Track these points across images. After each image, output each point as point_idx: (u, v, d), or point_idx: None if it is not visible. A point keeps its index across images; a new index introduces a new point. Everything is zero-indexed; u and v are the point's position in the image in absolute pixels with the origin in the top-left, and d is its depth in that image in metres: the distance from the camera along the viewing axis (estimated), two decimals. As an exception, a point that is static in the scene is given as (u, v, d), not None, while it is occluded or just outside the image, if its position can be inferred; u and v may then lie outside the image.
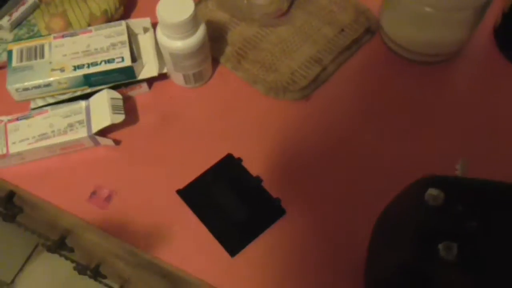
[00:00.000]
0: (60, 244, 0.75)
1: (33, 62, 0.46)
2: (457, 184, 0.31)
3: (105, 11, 0.52)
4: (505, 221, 0.29)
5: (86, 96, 0.47)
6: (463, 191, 0.30)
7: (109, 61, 0.46)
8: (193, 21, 0.43)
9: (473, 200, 0.30)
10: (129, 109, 0.49)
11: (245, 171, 0.45)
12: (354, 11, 0.53)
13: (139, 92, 0.49)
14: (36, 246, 1.22)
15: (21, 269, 1.21)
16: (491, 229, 0.29)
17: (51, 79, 0.45)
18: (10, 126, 0.46)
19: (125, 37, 0.48)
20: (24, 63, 0.46)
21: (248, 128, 0.47)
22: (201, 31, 0.45)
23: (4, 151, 0.44)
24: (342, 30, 0.52)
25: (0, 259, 1.12)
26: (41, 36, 0.50)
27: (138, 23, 0.50)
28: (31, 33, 0.51)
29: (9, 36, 0.51)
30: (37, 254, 1.22)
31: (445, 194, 0.30)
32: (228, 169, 0.45)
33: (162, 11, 0.43)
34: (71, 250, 0.77)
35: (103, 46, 0.47)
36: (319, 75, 0.50)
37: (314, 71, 0.50)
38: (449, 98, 0.48)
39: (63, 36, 0.48)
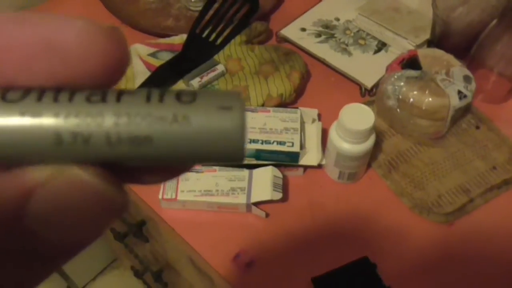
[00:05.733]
0: (156, 277, 0.80)
1: (216, 126, 0.53)
2: None
3: (281, 94, 0.58)
4: None
5: (248, 166, 0.53)
6: None
7: (280, 143, 0.52)
8: (369, 132, 0.48)
9: None
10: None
11: (378, 278, 0.47)
12: (508, 152, 0.55)
13: (294, 174, 0.54)
14: (112, 261, 1.29)
15: (94, 278, 1.28)
16: None
17: (229, 145, 0.52)
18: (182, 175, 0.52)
19: (298, 125, 0.53)
20: (209, 125, 0.53)
21: (387, 236, 0.50)
22: (371, 140, 0.49)
23: (174, 196, 0.50)
24: (494, 167, 0.54)
25: (80, 263, 1.20)
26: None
27: (307, 112, 0.56)
28: (214, 97, 0.58)
29: (195, 94, 0.59)
30: (111, 269, 1.29)
31: None
32: (362, 271, 0.48)
33: (345, 116, 0.48)
34: (165, 285, 0.82)
35: (278, 128, 0.53)
36: (465, 205, 0.52)
37: (461, 200, 0.52)
38: None
39: (244, 110, 0.55)
